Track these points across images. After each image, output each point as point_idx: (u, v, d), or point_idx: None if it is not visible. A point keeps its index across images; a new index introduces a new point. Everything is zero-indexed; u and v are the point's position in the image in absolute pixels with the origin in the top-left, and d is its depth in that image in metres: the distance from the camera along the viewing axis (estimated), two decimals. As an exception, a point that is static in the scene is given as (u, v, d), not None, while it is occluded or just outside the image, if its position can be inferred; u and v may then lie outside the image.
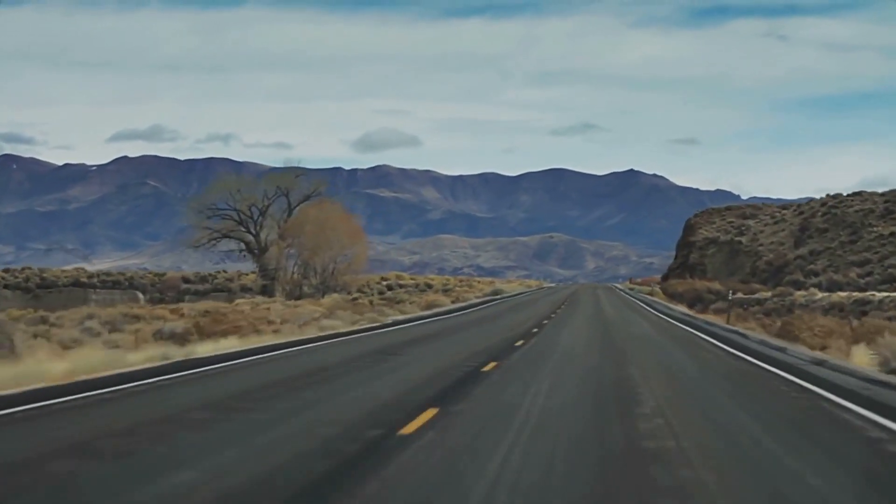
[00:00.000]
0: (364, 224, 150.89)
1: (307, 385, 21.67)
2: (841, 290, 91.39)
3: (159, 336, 38.36)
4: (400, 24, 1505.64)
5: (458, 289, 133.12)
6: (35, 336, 40.98)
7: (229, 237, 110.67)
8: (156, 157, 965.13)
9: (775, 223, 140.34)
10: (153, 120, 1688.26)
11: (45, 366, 21.74)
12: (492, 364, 26.43)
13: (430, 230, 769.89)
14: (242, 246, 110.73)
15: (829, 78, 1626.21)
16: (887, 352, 26.54)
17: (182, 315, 58.35)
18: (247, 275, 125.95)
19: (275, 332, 43.33)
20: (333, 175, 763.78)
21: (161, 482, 11.66)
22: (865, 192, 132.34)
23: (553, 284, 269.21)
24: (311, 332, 42.52)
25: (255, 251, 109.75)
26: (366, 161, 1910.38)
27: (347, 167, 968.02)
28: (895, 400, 19.87)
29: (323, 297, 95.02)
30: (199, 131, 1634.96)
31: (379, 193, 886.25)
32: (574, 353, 31.75)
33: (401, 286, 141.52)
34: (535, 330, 45.14)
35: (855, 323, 45.88)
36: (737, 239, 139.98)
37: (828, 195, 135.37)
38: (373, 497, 11.04)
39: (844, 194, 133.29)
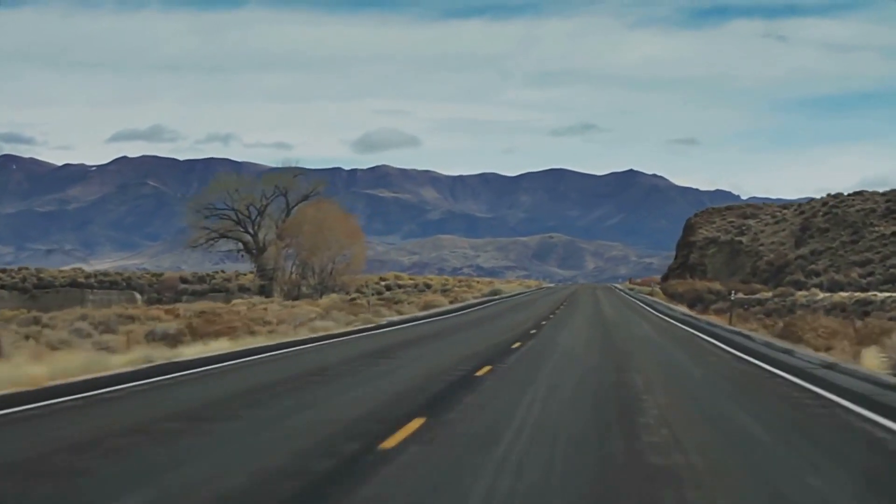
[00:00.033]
0: (363, 224, 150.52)
1: (287, 392, 20.60)
2: (842, 290, 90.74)
3: (151, 337, 37.69)
4: (400, 25, 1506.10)
5: (456, 289, 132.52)
6: (27, 337, 40.31)
7: (227, 237, 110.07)
8: (156, 157, 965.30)
9: (776, 223, 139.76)
10: (153, 120, 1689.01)
11: (22, 370, 20.86)
12: (486, 368, 25.36)
13: (429, 230, 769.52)
14: (240, 246, 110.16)
15: (828, 78, 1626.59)
16: (898, 354, 25.74)
17: (177, 316, 57.70)
18: (245, 275, 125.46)
19: (269, 332, 42.65)
20: (333, 175, 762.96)
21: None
22: (867, 191, 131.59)
23: (552, 285, 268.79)
24: (304, 334, 41.67)
25: (253, 251, 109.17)
26: (365, 161, 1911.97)
27: (347, 167, 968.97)
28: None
29: (321, 297, 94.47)
30: (198, 131, 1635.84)
31: (378, 194, 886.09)
32: (572, 355, 30.64)
33: (399, 286, 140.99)
34: (533, 331, 44.15)
35: (858, 324, 45.18)
36: (737, 239, 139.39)
37: (829, 195, 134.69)
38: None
39: (845, 194, 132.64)
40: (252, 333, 41.46)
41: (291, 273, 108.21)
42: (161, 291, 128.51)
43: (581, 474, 12.48)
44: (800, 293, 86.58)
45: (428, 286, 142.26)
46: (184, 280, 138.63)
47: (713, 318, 65.61)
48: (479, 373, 24.39)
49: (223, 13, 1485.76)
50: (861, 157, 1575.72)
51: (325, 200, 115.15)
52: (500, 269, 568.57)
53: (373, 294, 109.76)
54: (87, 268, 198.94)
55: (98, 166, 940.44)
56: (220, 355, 29.23)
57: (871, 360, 27.95)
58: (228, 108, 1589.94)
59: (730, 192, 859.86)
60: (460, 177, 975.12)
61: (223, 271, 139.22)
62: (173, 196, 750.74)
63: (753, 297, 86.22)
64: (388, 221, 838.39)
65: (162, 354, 26.78)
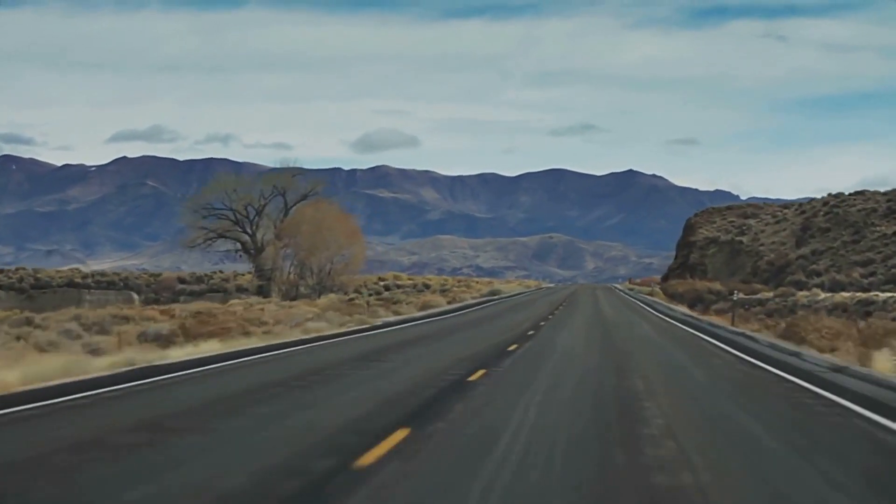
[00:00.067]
0: (363, 224, 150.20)
1: (266, 399, 19.27)
2: (844, 290, 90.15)
3: (144, 338, 37.06)
4: (400, 25, 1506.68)
5: (455, 289, 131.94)
6: (18, 338, 39.67)
7: (225, 237, 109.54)
8: (155, 157, 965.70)
9: (776, 223, 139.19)
10: (153, 120, 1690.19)
11: (-1, 374, 19.83)
12: (480, 372, 24.20)
13: (429, 230, 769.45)
14: (238, 246, 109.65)
15: (828, 78, 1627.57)
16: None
17: (172, 316, 57.06)
18: (243, 275, 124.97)
19: (264, 333, 42.02)
20: (333, 175, 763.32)
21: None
22: (868, 191, 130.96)
23: (552, 285, 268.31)
24: (296, 336, 40.86)
25: (252, 251, 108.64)
26: (365, 161, 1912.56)
27: (347, 167, 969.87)
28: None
29: (319, 297, 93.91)
30: (198, 132, 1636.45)
31: (378, 194, 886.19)
32: (571, 359, 29.37)
33: (398, 286, 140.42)
34: (531, 332, 43.07)
35: (862, 324, 44.56)
36: (738, 239, 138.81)
37: (829, 194, 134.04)
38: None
39: (846, 193, 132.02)
40: (246, 334, 40.82)
41: (290, 273, 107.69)
42: (158, 292, 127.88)
43: (580, 499, 11.40)
44: (801, 293, 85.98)
45: (427, 286, 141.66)
46: (181, 280, 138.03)
47: (715, 319, 65.02)
48: (473, 377, 23.26)
49: (223, 13, 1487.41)
50: (861, 157, 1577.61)
51: (324, 200, 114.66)
52: (499, 269, 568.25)
53: (369, 295, 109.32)
54: (85, 268, 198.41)
55: (98, 166, 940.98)
56: (205, 358, 28.20)
57: (884, 363, 27.18)
58: (228, 108, 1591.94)
59: (729, 193, 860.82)
60: (460, 177, 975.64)
61: (221, 271, 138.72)
62: (173, 196, 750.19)
63: (754, 297, 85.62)
64: (388, 222, 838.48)
65: (147, 357, 25.82)
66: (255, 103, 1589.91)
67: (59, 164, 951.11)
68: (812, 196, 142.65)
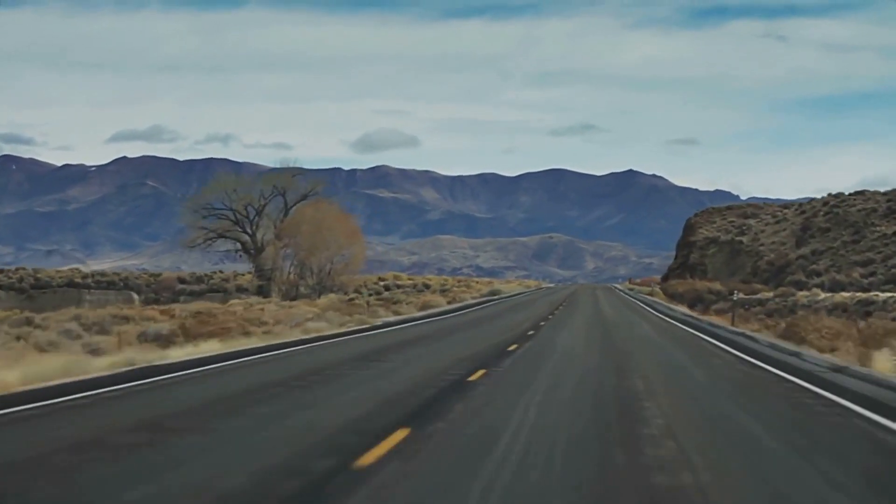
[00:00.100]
0: (363, 224, 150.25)
1: (266, 399, 19.12)
2: (844, 290, 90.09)
3: (144, 338, 37.02)
4: (400, 25, 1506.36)
5: (455, 289, 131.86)
6: (18, 338, 39.63)
7: (225, 237, 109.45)
8: (155, 157, 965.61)
9: (776, 223, 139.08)
10: (153, 120, 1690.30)
11: (-1, 374, 19.74)
12: (480, 372, 24.05)
13: (429, 230, 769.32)
14: (238, 246, 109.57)
15: (828, 78, 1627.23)
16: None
17: (172, 316, 56.99)
18: (243, 275, 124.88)
19: (264, 333, 41.97)
20: (333, 175, 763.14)
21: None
22: (868, 191, 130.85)
23: (552, 285, 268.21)
24: (295, 336, 40.76)
25: (252, 251, 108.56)
26: (365, 161, 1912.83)
27: (347, 167, 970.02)
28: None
29: (319, 297, 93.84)
30: (198, 132, 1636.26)
31: (378, 194, 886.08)
32: (571, 359, 29.19)
33: (398, 286, 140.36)
34: (531, 332, 42.93)
35: (862, 324, 44.54)
36: (738, 239, 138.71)
37: (829, 194, 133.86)
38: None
39: (846, 193, 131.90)
40: (246, 334, 40.76)
41: (290, 273, 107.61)
42: (158, 292, 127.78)
43: (580, 499, 11.37)
44: (801, 293, 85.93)
45: (427, 286, 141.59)
46: (181, 280, 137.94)
47: (715, 319, 64.94)
48: (473, 377, 23.11)
49: (223, 13, 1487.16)
50: (860, 157, 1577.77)
51: (324, 200, 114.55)
52: (499, 269, 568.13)
53: (370, 295, 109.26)
54: (85, 268, 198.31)
55: (98, 166, 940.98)
56: (205, 358, 28.08)
57: (884, 363, 27.10)
58: (228, 108, 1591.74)
59: (729, 193, 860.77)
60: (460, 177, 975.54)
61: (221, 271, 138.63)
62: (173, 196, 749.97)
63: (754, 297, 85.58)
64: (388, 222, 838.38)
65: (148, 357, 25.68)
66: (256, 103, 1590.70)
67: (59, 164, 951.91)
68: (812, 196, 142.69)
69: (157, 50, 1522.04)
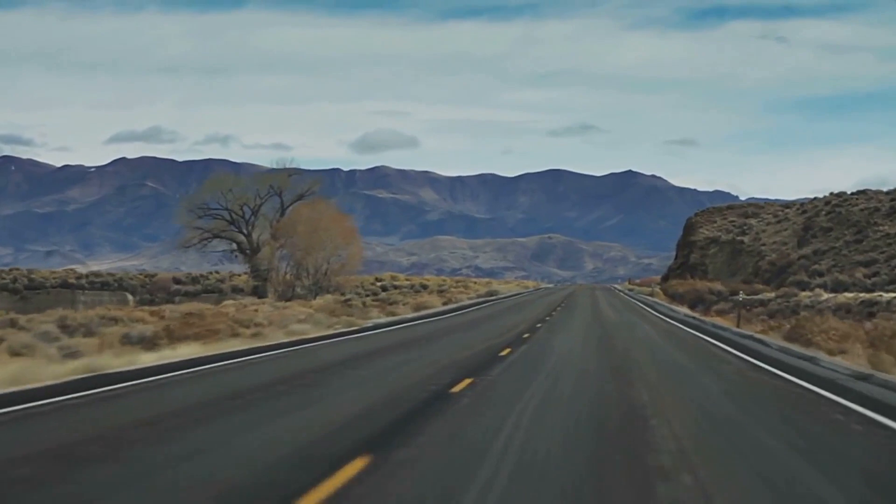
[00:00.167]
0: (362, 225, 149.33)
1: (206, 419, 16.51)
2: (846, 290, 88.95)
3: (126, 340, 35.82)
4: (398, 26, 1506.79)
5: (452, 290, 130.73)
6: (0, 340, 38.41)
7: (220, 237, 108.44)
8: (154, 158, 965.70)
9: (778, 222, 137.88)
10: (152, 121, 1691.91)
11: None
12: (466, 382, 21.73)
13: (428, 231, 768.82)
14: (234, 246, 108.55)
15: (826, 79, 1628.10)
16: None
17: (162, 317, 55.67)
18: (239, 276, 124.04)
19: (253, 335, 40.82)
20: (332, 176, 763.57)
21: None
22: (870, 190, 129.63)
23: (551, 285, 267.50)
24: (278, 338, 39.39)
25: (247, 251, 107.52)
26: (364, 162, 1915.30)
27: (346, 168, 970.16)
28: None
29: (315, 298, 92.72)
30: (197, 133, 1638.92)
31: (377, 194, 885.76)
32: (568, 366, 27.03)
33: (395, 287, 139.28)
34: (526, 335, 40.97)
35: (868, 325, 43.32)
36: (738, 238, 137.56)
37: (831, 193, 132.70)
38: None
39: (848, 193, 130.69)
40: (235, 336, 39.67)
41: (286, 273, 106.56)
42: (153, 292, 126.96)
43: None
44: (803, 293, 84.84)
45: (424, 287, 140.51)
46: (177, 281, 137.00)
47: (718, 320, 63.77)
48: (457, 388, 20.72)
49: (222, 14, 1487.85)
50: (859, 158, 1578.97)
51: (321, 200, 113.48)
52: (498, 269, 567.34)
53: (366, 295, 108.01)
54: (83, 269, 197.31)
55: (97, 167, 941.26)
56: (171, 364, 25.91)
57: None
58: (227, 109, 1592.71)
59: (728, 193, 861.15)
60: (459, 178, 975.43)
61: (217, 272, 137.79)
62: (172, 197, 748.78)
63: (756, 297, 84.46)
64: (387, 222, 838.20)
65: (113, 363, 24.15)
66: (255, 104, 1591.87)
67: (59, 164, 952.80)
68: (810, 197, 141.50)
69: (157, 51, 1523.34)
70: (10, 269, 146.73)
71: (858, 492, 11.91)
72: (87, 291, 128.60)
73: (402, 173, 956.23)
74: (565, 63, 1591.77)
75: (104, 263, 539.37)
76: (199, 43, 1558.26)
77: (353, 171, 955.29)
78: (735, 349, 35.59)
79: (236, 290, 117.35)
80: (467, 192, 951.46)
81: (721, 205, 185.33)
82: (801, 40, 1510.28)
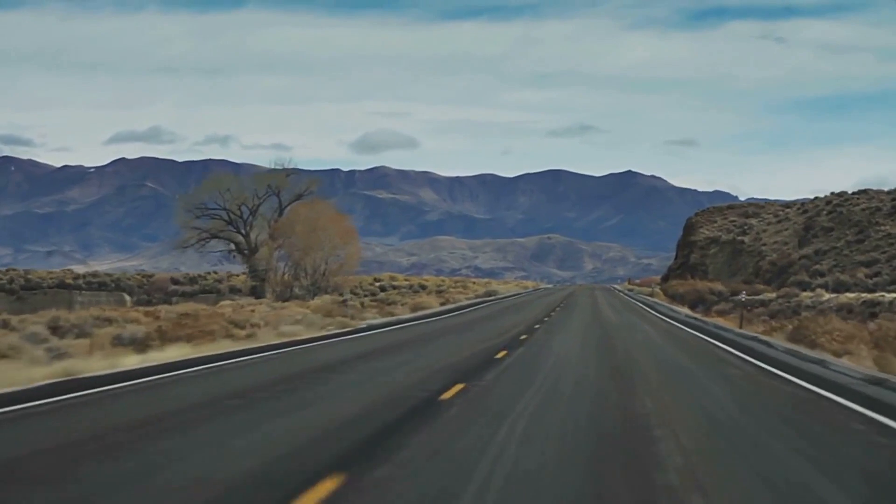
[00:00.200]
0: (362, 225, 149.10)
1: (169, 430, 15.12)
2: (848, 290, 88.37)
3: (118, 342, 35.23)
4: (398, 27, 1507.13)
5: (451, 290, 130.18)
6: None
7: (218, 237, 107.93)
8: (154, 158, 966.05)
9: (778, 222, 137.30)
10: (152, 122, 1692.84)
11: None
12: (457, 388, 20.41)
13: (427, 231, 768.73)
14: (232, 246, 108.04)
15: (826, 80, 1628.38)
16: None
17: (157, 318, 55.13)
18: (237, 276, 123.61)
19: (247, 336, 40.23)
20: (331, 176, 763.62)
21: None
22: (871, 189, 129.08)
23: (550, 285, 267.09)
24: (270, 339, 38.57)
25: (245, 252, 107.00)
26: (364, 162, 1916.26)
27: (346, 168, 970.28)
28: None
29: (313, 298, 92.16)
30: (197, 133, 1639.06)
31: (377, 195, 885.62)
32: (566, 370, 25.81)
33: (394, 287, 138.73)
34: (524, 337, 39.84)
35: (872, 326, 42.71)
36: (739, 238, 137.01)
37: (833, 193, 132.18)
38: None
39: (849, 192, 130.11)
40: (229, 337, 39.09)
41: (284, 274, 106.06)
42: (151, 293, 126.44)
43: None
44: (804, 294, 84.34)
45: (423, 287, 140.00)
46: (175, 281, 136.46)
47: (720, 321, 63.20)
48: (447, 395, 19.37)
49: (221, 15, 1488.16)
50: (859, 158, 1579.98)
51: (319, 200, 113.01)
52: (498, 270, 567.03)
53: (362, 297, 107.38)
54: (83, 269, 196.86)
55: (96, 168, 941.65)
56: (152, 367, 24.78)
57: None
58: (227, 109, 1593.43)
59: (728, 193, 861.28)
60: (458, 178, 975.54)
61: (215, 272, 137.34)
62: (172, 198, 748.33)
63: (757, 297, 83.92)
64: (387, 222, 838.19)
65: (95, 366, 23.25)
66: (254, 104, 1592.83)
67: (58, 165, 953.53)
68: (810, 197, 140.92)
69: (156, 51, 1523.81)
70: (7, 270, 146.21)
71: (863, 493, 10.91)
72: (84, 292, 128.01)
73: (402, 174, 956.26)
74: (565, 63, 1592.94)
75: (104, 264, 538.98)
76: (198, 43, 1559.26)
77: (352, 172, 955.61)
78: (740, 351, 34.52)
79: (234, 291, 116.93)
80: (467, 192, 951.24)
81: (721, 204, 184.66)
82: (800, 40, 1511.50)
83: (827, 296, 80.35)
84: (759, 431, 16.08)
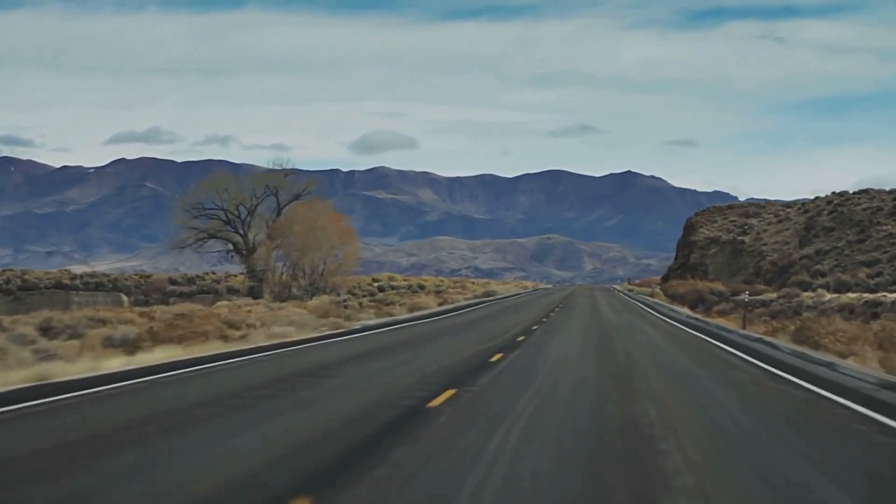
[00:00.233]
0: (362, 226, 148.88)
1: (129, 443, 13.96)
2: (849, 290, 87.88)
3: (109, 343, 34.66)
4: (398, 27, 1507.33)
5: (450, 290, 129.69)
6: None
7: (216, 237, 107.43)
8: (154, 159, 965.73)
9: (779, 222, 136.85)
10: (151, 122, 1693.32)
11: None
12: (448, 394, 19.23)
13: (427, 232, 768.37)
14: (230, 246, 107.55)
15: (825, 80, 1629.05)
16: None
17: (152, 318, 54.56)
18: (235, 276, 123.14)
19: (242, 337, 39.70)
20: (331, 177, 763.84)
21: None
22: (873, 189, 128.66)
23: (550, 286, 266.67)
24: (261, 341, 37.88)
25: (243, 252, 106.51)
26: (363, 163, 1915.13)
27: (345, 169, 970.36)
28: None
29: (312, 298, 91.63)
30: (197, 133, 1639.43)
31: (377, 195, 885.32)
32: (564, 374, 24.73)
33: (393, 287, 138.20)
34: (521, 338, 38.85)
35: (875, 326, 42.16)
36: (739, 238, 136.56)
37: (834, 193, 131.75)
38: None
39: (851, 192, 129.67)
40: (223, 338, 38.59)
41: (282, 274, 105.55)
42: (148, 293, 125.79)
43: None
44: (805, 294, 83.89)
45: (422, 287, 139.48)
46: (172, 282, 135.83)
47: (722, 321, 62.66)
48: (436, 401, 18.21)
49: (221, 15, 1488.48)
50: (859, 159, 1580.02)
51: (318, 200, 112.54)
52: (498, 270, 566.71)
53: (361, 298, 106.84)
54: (82, 269, 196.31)
55: (96, 168, 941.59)
56: (131, 371, 23.85)
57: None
58: (226, 110, 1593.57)
59: (728, 194, 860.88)
60: (458, 178, 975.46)
61: (213, 273, 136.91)
62: (171, 198, 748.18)
63: (758, 297, 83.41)
64: (386, 223, 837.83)
65: (69, 370, 22.34)
66: (254, 105, 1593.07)
67: (58, 165, 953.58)
68: (809, 198, 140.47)
69: (156, 52, 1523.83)
70: (4, 270, 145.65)
71: None
72: (81, 292, 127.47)
73: (402, 174, 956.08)
74: (565, 64, 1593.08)
75: (103, 264, 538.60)
76: (198, 43, 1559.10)
77: (352, 172, 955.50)
78: (745, 353, 33.46)
79: (232, 291, 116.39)
80: (466, 192, 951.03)
81: (721, 204, 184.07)
82: (800, 41, 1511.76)
83: (828, 296, 79.87)
84: (769, 440, 14.99)
